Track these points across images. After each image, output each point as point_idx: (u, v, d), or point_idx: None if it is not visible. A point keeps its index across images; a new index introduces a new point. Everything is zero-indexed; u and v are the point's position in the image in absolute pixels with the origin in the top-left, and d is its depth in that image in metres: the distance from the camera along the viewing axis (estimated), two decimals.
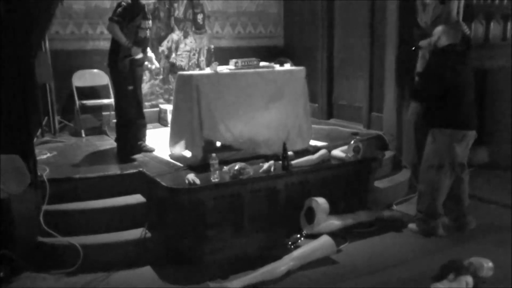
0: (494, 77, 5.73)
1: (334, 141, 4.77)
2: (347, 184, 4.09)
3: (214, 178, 3.48)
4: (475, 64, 5.33)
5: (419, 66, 4.48)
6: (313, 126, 4.73)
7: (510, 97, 5.50)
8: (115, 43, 4.29)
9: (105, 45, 6.01)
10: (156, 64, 4.87)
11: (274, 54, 6.32)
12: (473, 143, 5.27)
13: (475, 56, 5.32)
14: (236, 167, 3.57)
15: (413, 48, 4.36)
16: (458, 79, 3.66)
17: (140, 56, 4.37)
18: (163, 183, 3.48)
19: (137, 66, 4.46)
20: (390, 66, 5.06)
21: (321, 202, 3.72)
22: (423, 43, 4.33)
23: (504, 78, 5.59)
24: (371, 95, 5.52)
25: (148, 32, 4.48)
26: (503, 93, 5.65)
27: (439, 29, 3.78)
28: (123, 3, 4.20)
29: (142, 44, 4.39)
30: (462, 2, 5.16)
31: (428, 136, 3.79)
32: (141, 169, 3.87)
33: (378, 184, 4.46)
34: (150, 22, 4.51)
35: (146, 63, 4.71)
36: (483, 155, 5.61)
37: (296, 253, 3.32)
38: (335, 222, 3.78)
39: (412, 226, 3.88)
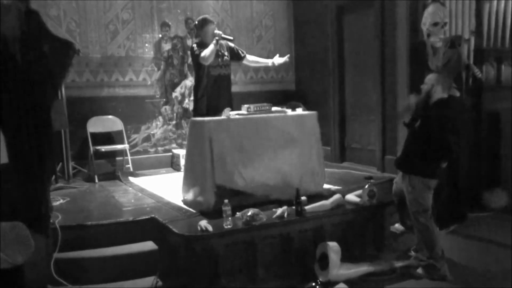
0: (508, 119, 5.68)
1: (347, 185, 4.72)
2: (362, 230, 4.00)
3: (227, 225, 3.43)
4: (488, 106, 5.36)
5: None
6: (326, 169, 4.69)
7: None
8: None
9: (120, 92, 6.20)
10: None
11: (286, 99, 6.37)
12: (490, 187, 5.21)
13: (488, 99, 5.36)
14: (249, 213, 3.52)
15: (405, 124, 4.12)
16: (452, 133, 3.61)
17: None
18: (175, 230, 3.44)
19: None
20: None
21: (332, 245, 3.64)
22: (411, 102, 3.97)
23: None
24: (384, 138, 5.50)
25: None
26: None
27: (431, 77, 3.74)
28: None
29: None
30: (472, 46, 5.24)
31: (405, 184, 3.71)
32: (153, 215, 3.85)
33: (393, 229, 4.36)
34: None
35: None
36: (501, 199, 5.48)
37: None
38: (351, 270, 3.66)
39: (420, 271, 3.77)
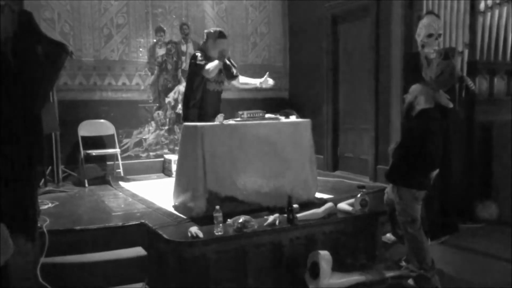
0: (500, 131, 5.71)
1: (340, 194, 4.70)
2: (354, 239, 3.98)
3: (218, 231, 3.39)
4: (481, 118, 5.38)
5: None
6: (318, 178, 4.67)
7: None
8: None
9: (113, 96, 6.16)
10: None
11: (279, 106, 6.38)
12: (481, 199, 5.22)
13: (480, 111, 5.38)
14: (240, 220, 3.49)
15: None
16: (434, 145, 3.60)
17: None
18: (165, 236, 3.39)
19: None
20: (396, 120, 5.06)
21: (324, 254, 3.61)
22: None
23: (509, 133, 5.56)
24: (377, 148, 5.51)
25: None
26: (509, 147, 5.61)
27: (416, 88, 3.73)
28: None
29: None
30: (466, 59, 5.27)
31: (394, 194, 3.70)
32: (143, 221, 3.80)
33: (385, 239, 4.34)
34: None
35: None
36: (491, 211, 5.49)
37: None
38: (342, 279, 3.63)
39: (410, 282, 3.75)
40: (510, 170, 5.53)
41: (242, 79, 4.87)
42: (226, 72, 4.70)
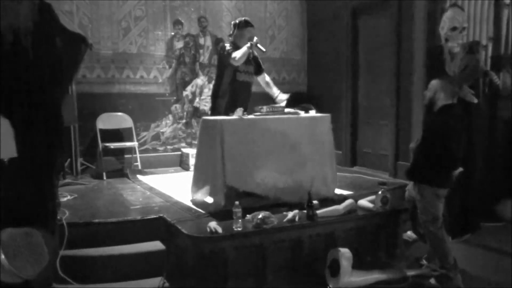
0: None
1: (359, 190, 4.64)
2: (374, 237, 3.92)
3: (237, 227, 3.35)
4: (504, 114, 5.25)
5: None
6: (337, 174, 4.61)
7: None
8: None
9: (131, 89, 6.16)
10: None
11: (297, 101, 6.30)
12: (503, 197, 5.10)
13: (504, 106, 5.25)
14: (260, 216, 3.45)
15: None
16: (456, 142, 3.50)
17: None
18: (184, 231, 3.37)
19: None
20: (417, 116, 4.96)
21: (344, 251, 3.55)
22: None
23: None
24: (397, 143, 5.41)
25: None
26: None
27: (435, 83, 3.62)
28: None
29: None
30: (489, 53, 5.14)
31: (415, 192, 3.62)
32: (161, 215, 3.78)
33: (406, 236, 4.27)
34: None
35: None
36: None
37: None
38: (362, 278, 3.58)
39: (432, 281, 3.68)
40: None
41: (267, 78, 4.85)
42: (256, 66, 4.68)
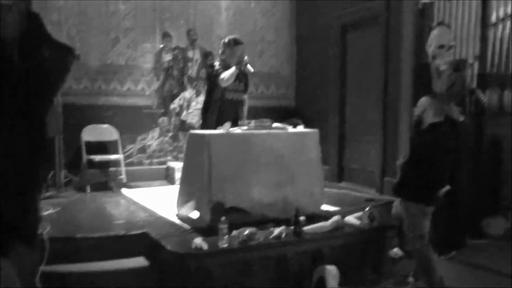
0: (509, 145, 5.63)
1: (346, 207, 4.61)
2: (361, 254, 3.88)
3: (223, 244, 3.30)
4: (490, 131, 5.30)
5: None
6: (324, 189, 4.59)
7: None
8: None
9: (117, 101, 6.10)
10: None
11: (285, 115, 6.31)
12: (488, 214, 5.12)
13: (490, 124, 5.31)
14: (246, 232, 3.41)
15: None
16: (445, 160, 3.51)
17: None
18: (168, 247, 3.31)
19: None
20: (404, 133, 4.98)
21: (330, 269, 3.52)
22: None
23: None
24: (384, 160, 5.42)
25: None
26: None
27: (424, 100, 3.63)
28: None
29: None
30: (476, 71, 5.20)
31: (402, 209, 3.61)
32: (145, 230, 3.71)
33: (392, 253, 4.24)
34: None
35: None
36: (499, 226, 5.40)
37: None
38: None
39: None
40: None
41: (246, 100, 4.80)
42: (245, 81, 4.67)
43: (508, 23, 5.43)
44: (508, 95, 5.52)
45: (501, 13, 5.38)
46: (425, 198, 3.50)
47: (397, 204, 3.78)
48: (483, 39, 5.27)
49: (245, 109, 4.79)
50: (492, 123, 5.31)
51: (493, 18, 5.34)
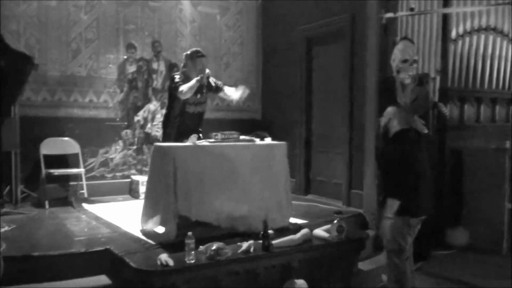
0: (470, 157, 5.79)
1: (314, 219, 4.60)
2: (330, 267, 3.86)
3: (189, 259, 3.20)
4: (452, 144, 5.45)
5: None
6: (292, 202, 4.56)
7: (485, 177, 5.50)
8: None
9: (78, 113, 5.91)
10: None
11: (251, 128, 6.26)
12: (451, 225, 5.22)
13: (451, 137, 5.45)
14: (213, 247, 3.32)
15: None
16: (416, 167, 3.53)
17: None
18: (132, 264, 3.19)
19: None
20: (370, 144, 5.04)
21: (300, 282, 3.49)
22: None
23: (479, 159, 5.64)
24: (351, 172, 5.46)
25: None
26: (479, 173, 5.68)
27: (389, 110, 3.69)
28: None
29: None
30: (437, 85, 5.35)
31: (388, 223, 3.62)
32: (108, 246, 3.57)
33: (360, 266, 4.25)
34: None
35: None
36: (461, 237, 5.51)
37: None
38: None
39: None
40: (479, 195, 5.60)
41: (227, 89, 4.72)
42: (211, 89, 4.60)
43: (467, 39, 5.64)
44: (469, 109, 5.72)
45: (461, 30, 5.58)
46: (408, 210, 3.47)
47: (383, 224, 3.74)
48: (444, 54, 5.44)
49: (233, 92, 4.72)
50: (454, 136, 5.46)
51: (453, 34, 5.53)
